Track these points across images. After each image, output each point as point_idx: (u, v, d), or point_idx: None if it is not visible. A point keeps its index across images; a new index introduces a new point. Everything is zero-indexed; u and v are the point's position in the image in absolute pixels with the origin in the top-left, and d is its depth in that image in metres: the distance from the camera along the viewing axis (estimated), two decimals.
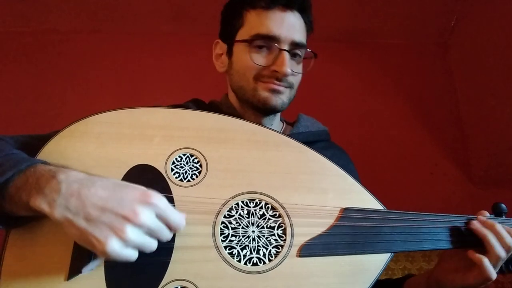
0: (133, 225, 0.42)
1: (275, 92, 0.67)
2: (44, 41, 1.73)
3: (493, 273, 0.56)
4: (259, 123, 0.72)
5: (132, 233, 0.42)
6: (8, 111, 1.61)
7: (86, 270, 0.46)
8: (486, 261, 0.56)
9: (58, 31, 1.74)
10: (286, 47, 0.66)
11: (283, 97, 0.69)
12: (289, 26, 0.67)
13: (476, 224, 0.59)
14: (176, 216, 0.47)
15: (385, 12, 1.77)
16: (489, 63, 1.58)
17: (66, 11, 1.68)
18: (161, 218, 0.45)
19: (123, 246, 0.42)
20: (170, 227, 0.47)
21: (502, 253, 0.57)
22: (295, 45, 0.67)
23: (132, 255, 0.44)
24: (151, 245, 0.45)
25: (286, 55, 0.66)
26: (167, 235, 0.47)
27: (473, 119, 1.74)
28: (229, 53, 0.71)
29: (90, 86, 1.70)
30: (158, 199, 0.45)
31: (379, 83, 1.84)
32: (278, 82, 0.67)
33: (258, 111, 0.71)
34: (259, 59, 0.66)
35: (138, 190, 0.45)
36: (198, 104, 0.74)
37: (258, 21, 0.66)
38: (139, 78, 1.73)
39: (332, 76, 1.72)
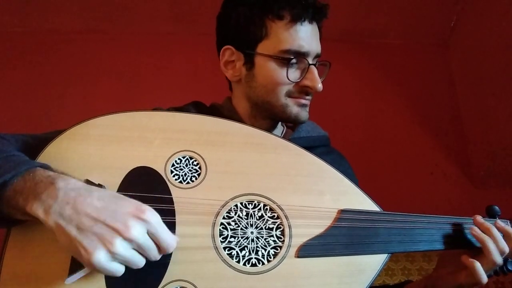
0: (123, 239, 0.42)
1: (304, 106, 0.67)
2: (44, 41, 1.73)
3: (483, 277, 0.57)
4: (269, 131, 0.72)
5: (121, 247, 0.42)
6: (8, 111, 1.62)
7: (69, 281, 0.46)
8: (478, 266, 0.57)
9: (58, 31, 1.74)
10: (312, 60, 0.65)
11: (307, 109, 0.69)
12: (314, 39, 0.65)
13: (476, 230, 0.60)
14: (168, 237, 0.46)
15: (385, 12, 1.77)
16: (489, 63, 1.58)
17: (66, 11, 1.69)
18: (152, 235, 0.45)
19: (110, 259, 0.42)
20: (159, 247, 0.46)
21: (499, 259, 0.58)
22: (317, 56, 0.67)
23: (118, 269, 0.43)
24: (139, 261, 0.44)
25: (315, 70, 0.65)
26: (155, 254, 0.45)
27: (473, 119, 1.74)
28: (249, 64, 0.67)
29: (90, 86, 1.70)
30: (152, 215, 0.45)
31: (379, 83, 1.84)
32: (307, 97, 0.67)
33: (272, 121, 0.71)
34: (292, 75, 0.64)
35: (133, 204, 0.45)
36: (198, 107, 0.74)
37: (287, 36, 0.62)
38: (139, 78, 1.74)
39: (332, 76, 1.72)
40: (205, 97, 0.79)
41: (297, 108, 0.67)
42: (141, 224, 0.44)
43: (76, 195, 0.43)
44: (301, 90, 0.66)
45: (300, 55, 0.64)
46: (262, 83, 0.66)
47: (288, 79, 0.64)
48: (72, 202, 0.43)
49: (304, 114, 0.68)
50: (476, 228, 0.60)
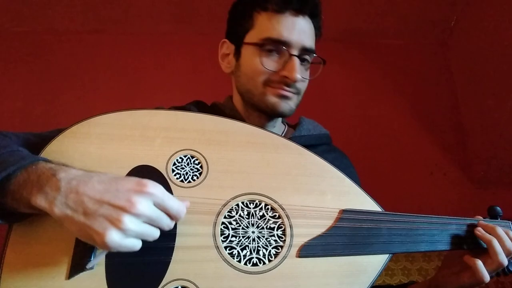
0: (131, 215, 0.42)
1: (284, 97, 0.67)
2: (44, 41, 1.73)
3: (486, 276, 0.57)
4: (262, 127, 0.73)
5: (131, 223, 0.42)
6: (8, 111, 1.61)
7: (90, 265, 0.47)
8: (480, 264, 0.57)
9: (58, 31, 1.74)
10: (296, 52, 0.66)
11: (291, 103, 0.68)
12: (300, 31, 0.66)
13: (480, 230, 0.60)
14: (175, 203, 0.46)
15: (385, 12, 1.77)
16: (489, 63, 1.58)
17: (66, 11, 1.69)
18: (159, 206, 0.45)
19: (123, 236, 0.42)
20: (170, 215, 0.47)
21: (505, 261, 0.57)
22: (304, 50, 0.67)
23: (134, 244, 0.44)
24: (153, 233, 0.45)
25: (297, 61, 0.65)
26: (168, 222, 0.46)
27: (473, 119, 1.74)
28: (237, 54, 0.70)
29: (90, 86, 1.70)
30: (154, 187, 0.45)
31: (379, 83, 1.84)
32: (287, 88, 0.67)
33: (264, 115, 0.71)
34: (269, 63, 0.65)
35: (133, 180, 0.45)
36: (200, 106, 0.74)
37: (269, 25, 0.65)
38: (139, 78, 1.74)
39: (332, 76, 1.72)
40: (205, 97, 0.79)
41: (275, 99, 0.67)
42: (145, 197, 0.44)
43: (77, 183, 0.44)
44: (280, 80, 0.66)
45: (280, 44, 0.65)
46: (244, 71, 0.69)
47: (263, 66, 0.65)
48: (75, 190, 0.43)
49: (283, 105, 0.67)
50: (480, 229, 0.60)
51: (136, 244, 0.44)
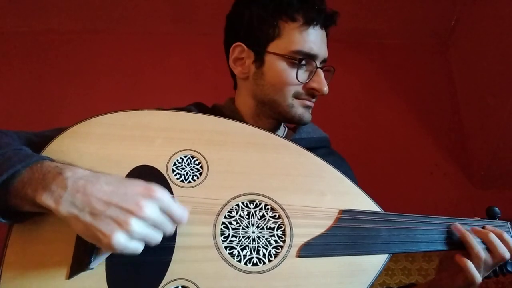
0: (138, 218, 0.43)
1: (308, 108, 0.70)
2: (44, 41, 1.73)
3: (477, 276, 0.57)
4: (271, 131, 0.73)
5: (137, 226, 0.43)
6: (8, 111, 1.62)
7: (92, 266, 0.47)
8: (470, 264, 0.57)
9: (58, 31, 1.74)
10: (320, 65, 0.68)
11: (310, 111, 0.71)
12: (323, 44, 0.68)
13: (457, 225, 0.60)
14: (179, 210, 0.47)
15: (385, 12, 1.78)
16: (489, 63, 1.58)
17: (66, 11, 1.69)
18: (164, 211, 0.46)
19: (129, 239, 0.43)
20: (173, 220, 0.47)
21: (482, 254, 0.57)
22: (324, 61, 0.70)
23: (137, 247, 0.44)
24: (156, 237, 0.46)
25: (322, 73, 0.68)
26: (170, 228, 0.47)
27: (473, 119, 1.74)
28: (259, 62, 0.68)
29: (90, 86, 1.70)
30: (162, 193, 0.46)
31: (379, 83, 1.84)
32: (312, 100, 0.70)
33: (276, 122, 0.73)
34: (302, 76, 0.66)
35: (141, 184, 0.46)
36: (200, 108, 0.75)
37: (299, 37, 0.65)
38: (139, 78, 1.74)
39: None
40: (205, 97, 0.79)
41: (302, 109, 0.69)
42: (153, 202, 0.45)
43: (85, 183, 0.44)
44: (308, 92, 0.68)
45: (310, 57, 0.66)
46: (271, 82, 0.68)
47: (298, 79, 0.66)
48: (82, 190, 0.43)
49: (307, 115, 0.70)
50: (457, 224, 0.60)
51: (139, 248, 0.45)
